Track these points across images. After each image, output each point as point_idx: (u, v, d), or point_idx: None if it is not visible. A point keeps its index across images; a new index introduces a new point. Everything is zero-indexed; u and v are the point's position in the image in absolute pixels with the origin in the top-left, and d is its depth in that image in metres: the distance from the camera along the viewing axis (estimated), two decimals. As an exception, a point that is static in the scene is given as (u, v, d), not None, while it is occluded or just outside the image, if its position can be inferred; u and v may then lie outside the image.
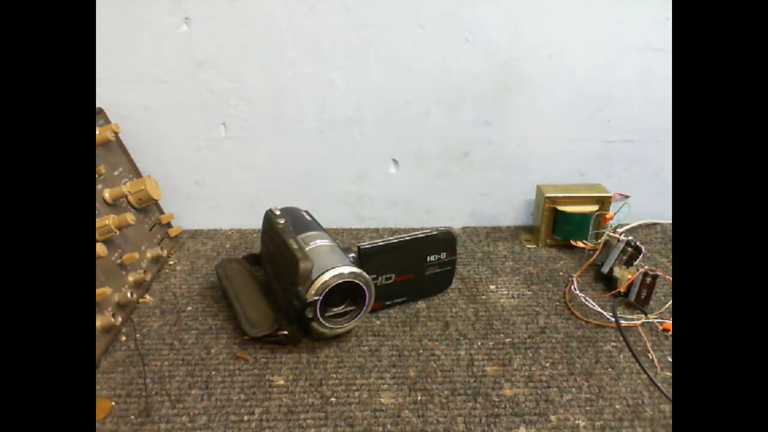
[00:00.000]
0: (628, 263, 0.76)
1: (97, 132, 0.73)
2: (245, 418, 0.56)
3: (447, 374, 0.61)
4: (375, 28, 0.79)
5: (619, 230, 0.86)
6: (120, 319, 0.67)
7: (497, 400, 0.58)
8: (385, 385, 0.60)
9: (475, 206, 0.93)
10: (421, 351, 0.65)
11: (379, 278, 0.69)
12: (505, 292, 0.76)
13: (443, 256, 0.72)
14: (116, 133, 0.76)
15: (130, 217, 0.67)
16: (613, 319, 0.67)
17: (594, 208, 0.83)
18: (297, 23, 0.78)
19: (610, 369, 0.62)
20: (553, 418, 0.56)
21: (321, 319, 0.62)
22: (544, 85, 0.83)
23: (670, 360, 0.63)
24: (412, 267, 0.71)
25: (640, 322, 0.69)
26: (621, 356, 0.64)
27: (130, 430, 0.54)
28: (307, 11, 0.77)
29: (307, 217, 0.74)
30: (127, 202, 0.76)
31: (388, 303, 0.72)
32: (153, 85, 0.81)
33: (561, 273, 0.81)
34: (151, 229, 0.81)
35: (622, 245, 0.77)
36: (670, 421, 0.55)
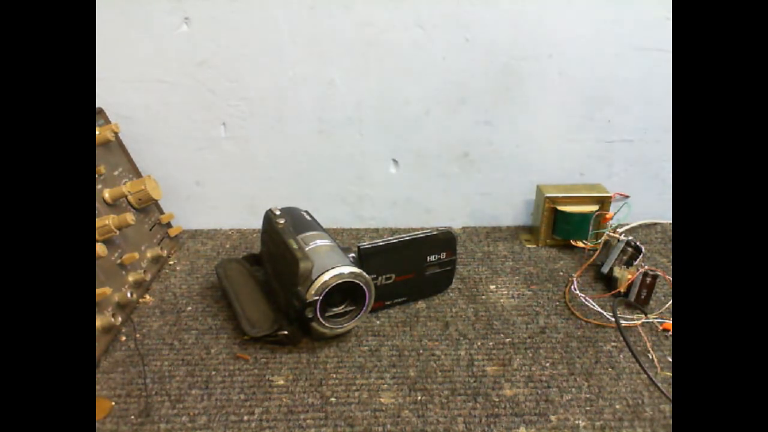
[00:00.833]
0: (628, 263, 0.76)
1: (97, 132, 0.73)
2: (245, 418, 0.56)
3: (447, 374, 0.61)
4: (375, 28, 0.79)
5: (619, 230, 0.86)
6: (120, 319, 0.67)
7: (497, 400, 0.58)
8: (385, 385, 0.60)
9: (475, 206, 0.93)
10: (421, 351, 0.65)
11: (379, 278, 0.69)
12: (505, 292, 0.76)
13: (443, 256, 0.72)
14: (116, 133, 0.76)
15: (130, 217, 0.67)
16: (613, 319, 0.67)
17: (594, 208, 0.83)
18: (297, 23, 0.78)
19: (610, 369, 0.62)
20: (553, 418, 0.56)
21: (321, 319, 0.62)
22: (544, 85, 0.83)
23: (670, 360, 0.63)
24: (412, 267, 0.71)
25: (640, 322, 0.69)
26: (621, 356, 0.64)
27: (130, 430, 0.54)
28: (307, 11, 0.77)
29: (307, 217, 0.74)
30: (127, 202, 0.76)
31: (388, 303, 0.72)
32: (153, 85, 0.81)
33: (561, 273, 0.81)
34: (151, 229, 0.81)
35: (622, 245, 0.77)
36: (670, 421, 0.55)
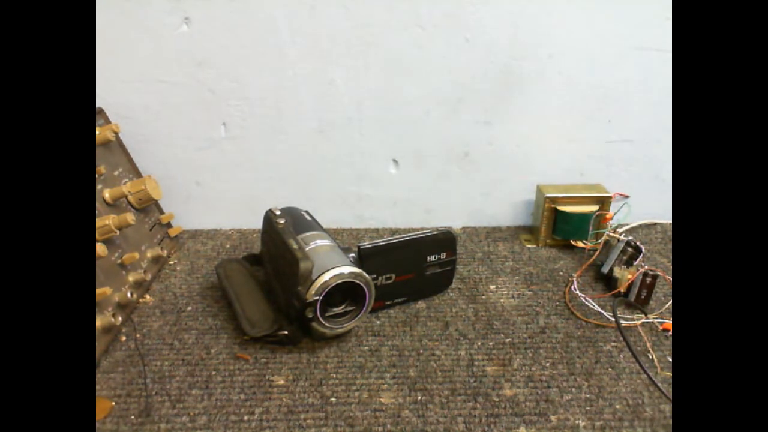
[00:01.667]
0: (628, 263, 0.76)
1: (97, 132, 0.73)
2: (245, 418, 0.56)
3: (447, 374, 0.61)
4: (375, 28, 0.79)
5: (619, 230, 0.86)
6: (120, 319, 0.67)
7: (497, 400, 0.58)
8: (385, 385, 0.60)
9: (475, 206, 0.93)
10: (421, 351, 0.65)
11: (379, 278, 0.69)
12: (505, 292, 0.76)
13: (443, 256, 0.72)
14: (116, 133, 0.76)
15: (130, 217, 0.67)
16: (613, 319, 0.67)
17: (594, 208, 0.83)
18: (297, 23, 0.78)
19: (610, 369, 0.62)
20: (553, 418, 0.56)
21: (321, 319, 0.62)
22: (544, 85, 0.83)
23: (670, 360, 0.63)
24: (412, 267, 0.71)
25: (640, 322, 0.69)
26: (621, 356, 0.64)
27: (130, 430, 0.54)
28: (307, 11, 0.77)
29: (307, 217, 0.74)
30: (127, 202, 0.76)
31: (388, 303, 0.72)
32: (153, 85, 0.81)
33: (561, 273, 0.81)
34: (151, 229, 0.81)
35: (622, 245, 0.77)
36: (670, 421, 0.55)
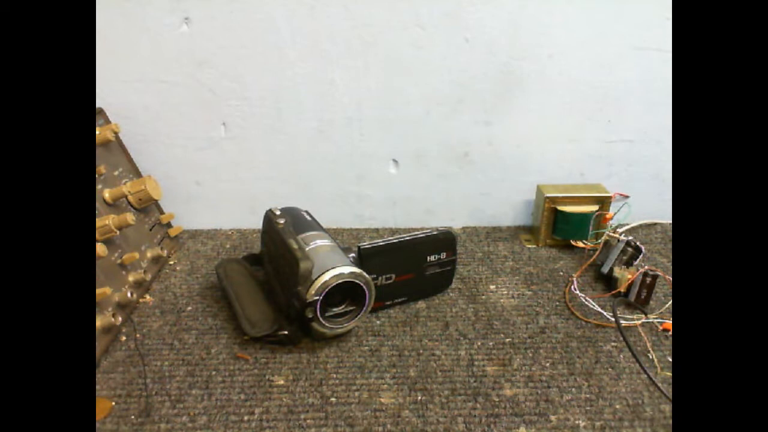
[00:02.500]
0: (628, 263, 0.76)
1: (97, 132, 0.73)
2: (245, 418, 0.56)
3: (447, 374, 0.61)
4: (375, 28, 0.79)
5: (619, 230, 0.86)
6: (120, 319, 0.67)
7: (497, 400, 0.58)
8: (385, 385, 0.60)
9: (475, 206, 0.93)
10: (421, 351, 0.65)
11: (379, 278, 0.69)
12: (505, 292, 0.76)
13: (443, 256, 0.72)
14: (116, 133, 0.76)
15: (130, 217, 0.67)
16: (613, 319, 0.67)
17: (594, 208, 0.83)
18: (297, 23, 0.78)
19: (610, 369, 0.62)
20: (553, 418, 0.56)
21: (321, 319, 0.62)
22: (544, 85, 0.83)
23: (670, 360, 0.63)
24: (412, 267, 0.71)
25: (640, 322, 0.69)
26: (621, 356, 0.64)
27: (130, 430, 0.54)
28: (307, 11, 0.77)
29: (307, 217, 0.74)
30: (127, 202, 0.76)
31: (388, 303, 0.72)
32: (153, 85, 0.81)
33: (561, 273, 0.81)
34: (151, 229, 0.81)
35: (622, 245, 0.77)
36: (670, 421, 0.55)
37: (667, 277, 0.76)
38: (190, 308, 0.73)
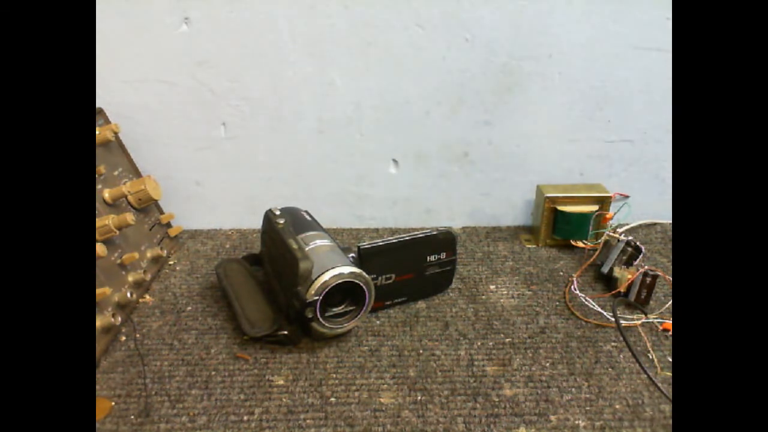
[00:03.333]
0: (628, 263, 0.76)
1: (97, 132, 0.73)
2: (245, 418, 0.56)
3: (447, 374, 0.61)
4: (375, 28, 0.79)
5: (619, 230, 0.86)
6: (120, 319, 0.67)
7: (497, 400, 0.58)
8: (385, 385, 0.60)
9: (475, 206, 0.93)
10: (421, 351, 0.65)
11: (379, 278, 0.69)
12: (505, 292, 0.76)
13: (443, 256, 0.72)
14: (116, 133, 0.76)
15: (130, 217, 0.67)
16: (613, 319, 0.67)
17: (594, 208, 0.83)
18: (297, 23, 0.78)
19: (610, 369, 0.62)
20: (553, 418, 0.56)
21: (321, 319, 0.62)
22: (544, 85, 0.83)
23: (670, 360, 0.63)
24: (412, 267, 0.71)
25: (640, 322, 0.69)
26: (621, 356, 0.64)
27: (130, 430, 0.54)
28: (307, 11, 0.77)
29: (307, 217, 0.74)
30: (127, 202, 0.76)
31: (388, 303, 0.72)
32: (153, 85, 0.81)
33: (561, 273, 0.81)
34: (151, 229, 0.81)
35: (622, 245, 0.77)
36: (670, 421, 0.55)
37: (667, 277, 0.76)
38: (189, 308, 0.73)
